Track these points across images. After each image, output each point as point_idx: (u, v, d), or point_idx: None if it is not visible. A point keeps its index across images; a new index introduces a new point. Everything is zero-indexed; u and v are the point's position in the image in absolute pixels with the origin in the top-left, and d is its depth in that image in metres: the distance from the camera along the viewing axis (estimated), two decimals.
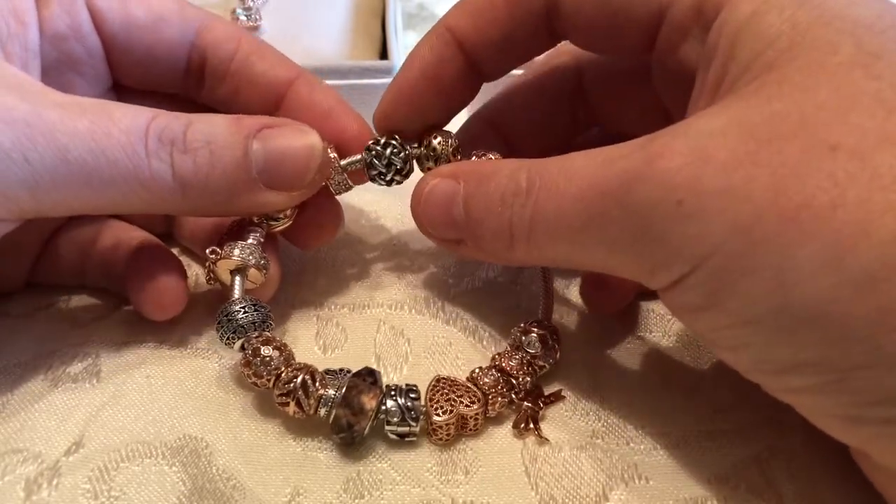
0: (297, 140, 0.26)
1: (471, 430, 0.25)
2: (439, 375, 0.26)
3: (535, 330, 0.27)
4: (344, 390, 0.24)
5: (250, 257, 0.26)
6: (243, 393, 0.26)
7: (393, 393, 0.25)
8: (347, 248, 0.33)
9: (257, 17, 0.42)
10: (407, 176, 0.29)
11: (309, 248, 0.30)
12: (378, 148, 0.28)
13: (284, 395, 0.24)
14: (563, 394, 0.26)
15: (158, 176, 0.23)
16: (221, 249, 0.27)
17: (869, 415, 0.19)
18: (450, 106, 0.29)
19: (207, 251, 0.27)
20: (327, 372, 0.25)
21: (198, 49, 0.29)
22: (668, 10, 0.24)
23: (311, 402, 0.24)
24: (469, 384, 0.25)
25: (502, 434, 0.25)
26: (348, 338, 0.29)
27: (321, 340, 0.29)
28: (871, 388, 0.18)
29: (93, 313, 0.29)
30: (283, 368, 0.25)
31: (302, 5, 0.44)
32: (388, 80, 0.37)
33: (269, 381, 0.25)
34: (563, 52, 0.30)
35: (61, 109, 0.22)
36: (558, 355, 0.27)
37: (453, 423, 0.25)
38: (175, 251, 0.30)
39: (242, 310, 0.26)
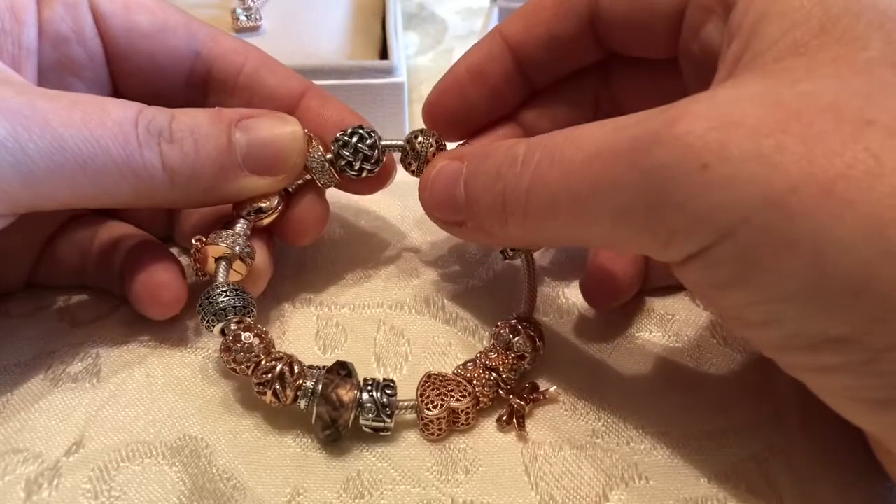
0: (277, 126, 0.26)
1: (462, 423, 0.25)
2: (430, 371, 0.26)
3: (516, 325, 0.27)
4: (321, 387, 0.24)
5: (235, 245, 0.27)
6: (244, 393, 0.26)
7: (369, 387, 0.25)
8: (347, 248, 0.33)
9: (257, 17, 0.42)
10: (377, 164, 0.29)
11: (298, 244, 0.30)
12: (345, 138, 0.28)
13: (262, 385, 0.24)
14: (556, 393, 0.26)
15: (149, 165, 0.24)
16: (208, 237, 0.27)
17: None
18: (496, 106, 0.29)
19: (193, 240, 0.27)
20: (309, 366, 0.25)
21: (203, 60, 0.29)
22: None
23: (289, 392, 0.24)
24: (459, 378, 0.26)
25: (502, 434, 0.25)
26: (348, 338, 0.29)
27: (321, 340, 0.29)
28: None
29: (93, 313, 0.29)
30: (262, 357, 0.25)
31: (302, 5, 0.44)
32: (388, 80, 0.37)
33: (247, 368, 0.25)
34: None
35: (54, 102, 0.23)
36: (541, 351, 0.27)
37: (444, 418, 0.25)
38: (174, 251, 0.30)
39: (224, 293, 0.26)
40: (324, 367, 0.25)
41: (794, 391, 0.26)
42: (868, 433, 0.21)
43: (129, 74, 0.29)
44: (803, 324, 0.18)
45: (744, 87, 0.19)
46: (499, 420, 0.26)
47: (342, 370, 0.25)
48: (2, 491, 0.23)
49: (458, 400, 0.25)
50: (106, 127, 0.23)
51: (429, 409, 0.25)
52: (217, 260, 0.27)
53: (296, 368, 0.25)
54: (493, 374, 0.26)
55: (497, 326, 0.27)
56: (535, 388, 0.26)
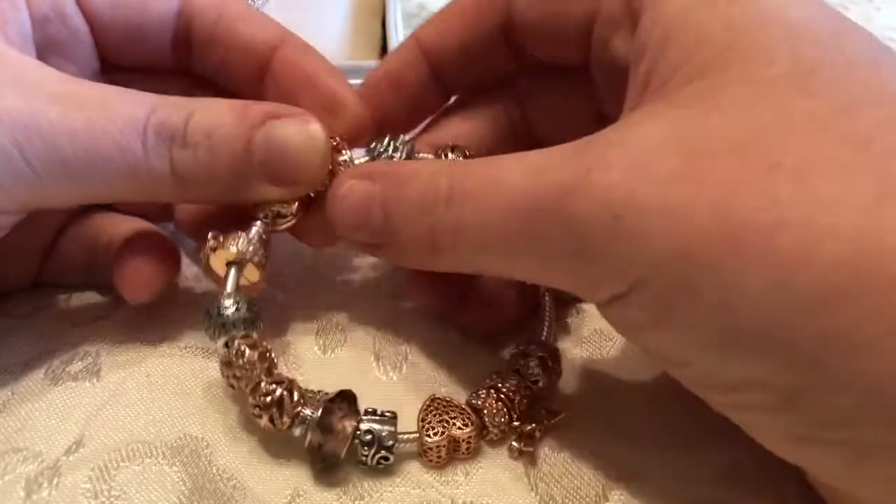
0: (301, 133, 0.25)
1: (463, 453, 0.25)
2: (434, 395, 0.25)
3: (534, 352, 0.26)
4: (319, 414, 0.23)
5: (252, 253, 0.26)
6: (244, 393, 0.26)
7: (369, 420, 0.24)
8: (346, 248, 0.33)
9: None
10: None
11: (319, 246, 0.30)
12: (380, 148, 0.28)
13: (259, 408, 0.24)
14: (568, 416, 0.25)
15: (155, 171, 0.23)
16: (222, 238, 0.26)
17: (817, 436, 0.18)
18: (414, 112, 0.30)
19: (209, 235, 0.26)
20: (308, 391, 0.25)
21: (183, 17, 0.28)
22: (601, 5, 0.24)
23: (286, 419, 0.24)
24: (464, 406, 0.25)
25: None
26: (348, 338, 0.29)
27: (321, 340, 0.29)
28: (819, 410, 0.18)
29: (93, 313, 0.29)
30: (263, 378, 0.24)
31: (302, 5, 0.44)
32: None
33: (246, 387, 0.24)
34: None
35: (59, 105, 0.22)
36: (558, 379, 0.26)
37: (444, 446, 0.24)
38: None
39: (234, 305, 0.25)
40: (325, 394, 0.24)
41: None
42: (795, 464, 0.21)
43: (116, 46, 0.28)
44: (717, 367, 0.19)
45: (654, 127, 0.19)
46: (510, 449, 0.25)
47: (343, 401, 0.24)
48: (1, 490, 0.23)
49: (459, 429, 0.24)
50: (108, 134, 0.22)
51: (429, 436, 0.24)
52: (228, 264, 0.26)
53: (295, 395, 0.24)
54: (506, 406, 0.25)
55: (514, 351, 0.26)
56: (552, 413, 0.25)
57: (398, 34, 0.42)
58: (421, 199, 0.23)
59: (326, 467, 0.24)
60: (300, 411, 0.24)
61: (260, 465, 0.24)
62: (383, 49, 0.43)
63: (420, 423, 0.24)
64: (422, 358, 0.28)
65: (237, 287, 0.26)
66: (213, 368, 0.27)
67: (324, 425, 0.23)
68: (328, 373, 0.27)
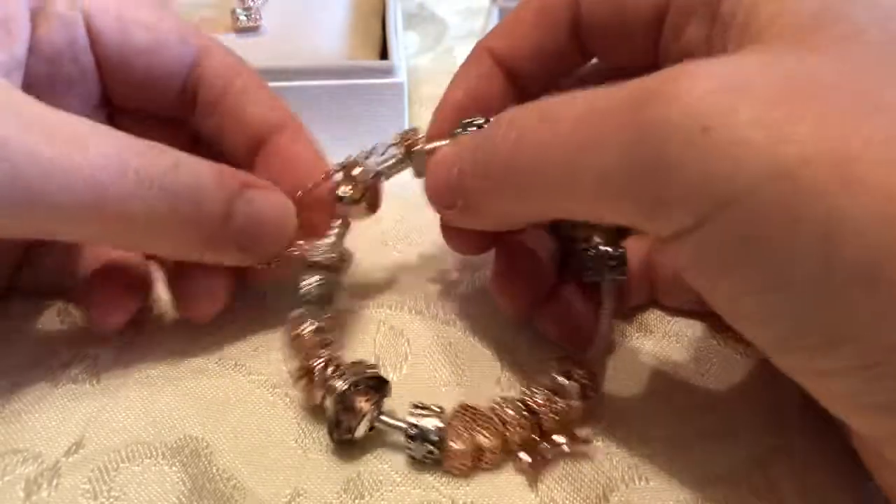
0: (277, 208, 0.26)
1: (486, 463, 0.24)
2: (465, 403, 0.25)
3: (576, 373, 0.25)
4: (346, 386, 0.24)
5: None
6: (244, 393, 0.26)
7: (416, 412, 0.24)
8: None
9: (257, 16, 0.42)
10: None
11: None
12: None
13: (297, 378, 0.25)
14: (590, 438, 0.25)
15: (128, 213, 0.22)
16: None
17: None
18: None
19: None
20: (351, 364, 0.25)
21: (194, 74, 0.28)
22: None
23: (317, 391, 0.24)
24: (492, 415, 0.24)
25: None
26: (348, 338, 0.29)
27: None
28: None
29: None
30: (309, 351, 0.25)
31: (302, 5, 0.44)
32: (388, 80, 0.37)
33: (299, 354, 0.25)
34: None
35: (29, 133, 0.21)
36: (592, 403, 0.26)
37: (470, 453, 0.24)
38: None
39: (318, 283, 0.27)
40: (365, 369, 0.25)
41: (794, 392, 0.26)
42: (861, 437, 0.20)
43: (121, 88, 0.28)
44: (803, 319, 0.17)
45: (748, 56, 0.18)
46: (515, 461, 0.24)
47: (372, 381, 0.24)
48: (1, 491, 0.23)
49: (486, 438, 0.24)
50: (80, 171, 0.21)
51: (454, 443, 0.24)
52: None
53: (330, 368, 0.24)
54: (530, 422, 0.24)
55: (555, 367, 0.26)
56: (576, 440, 0.24)
57: (398, 34, 0.41)
58: (485, 134, 0.23)
59: (342, 442, 0.24)
60: (332, 384, 0.24)
61: (260, 466, 0.24)
62: (384, 49, 0.43)
63: (448, 428, 0.24)
64: (422, 358, 0.28)
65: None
66: (212, 369, 0.27)
67: (345, 401, 0.24)
68: None
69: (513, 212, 0.23)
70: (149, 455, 0.24)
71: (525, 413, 0.24)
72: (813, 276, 0.16)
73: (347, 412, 0.24)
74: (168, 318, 0.29)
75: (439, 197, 0.26)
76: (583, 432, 0.25)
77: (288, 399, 0.26)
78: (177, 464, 0.24)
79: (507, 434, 0.24)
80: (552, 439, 0.24)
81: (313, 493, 0.24)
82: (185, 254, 0.25)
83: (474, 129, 0.26)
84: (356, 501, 0.23)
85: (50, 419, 0.25)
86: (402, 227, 0.34)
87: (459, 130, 0.26)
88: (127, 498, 0.23)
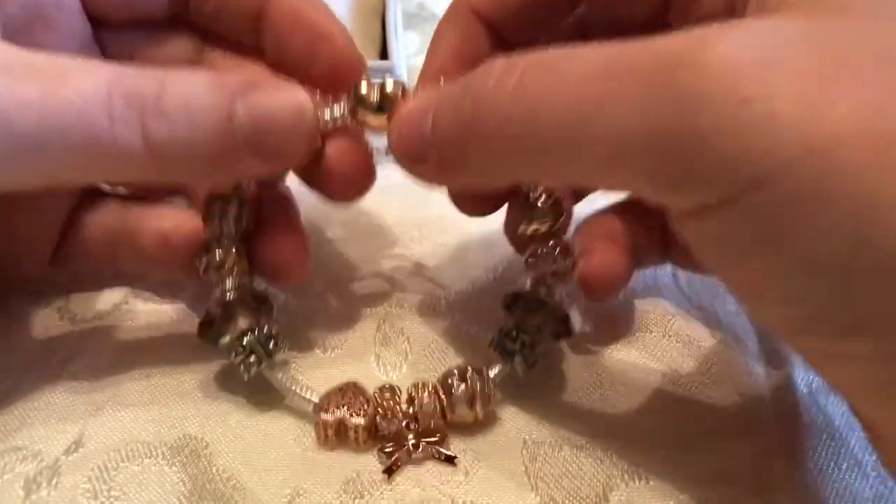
0: (285, 103, 0.23)
1: (353, 441, 0.24)
2: (352, 381, 0.25)
3: (471, 374, 0.25)
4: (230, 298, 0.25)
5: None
6: (244, 393, 0.26)
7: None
8: (347, 248, 0.33)
9: None
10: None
11: (341, 201, 0.27)
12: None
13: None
14: (455, 462, 0.24)
15: (125, 144, 0.21)
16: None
17: None
18: None
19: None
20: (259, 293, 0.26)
21: None
22: None
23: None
24: (370, 397, 0.25)
25: (502, 434, 0.25)
26: (348, 337, 0.29)
27: (321, 339, 0.29)
28: None
29: (93, 311, 0.29)
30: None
31: None
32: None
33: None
34: None
35: (8, 75, 0.20)
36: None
37: (333, 427, 0.24)
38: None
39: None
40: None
41: (793, 392, 0.26)
42: (873, 426, 0.20)
43: (104, 6, 0.27)
44: (829, 303, 0.16)
45: (783, 23, 0.17)
46: (380, 450, 0.24)
47: (265, 305, 0.26)
48: (1, 489, 0.23)
49: (351, 416, 0.24)
50: (68, 103, 0.20)
51: (323, 412, 0.24)
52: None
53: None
54: (438, 404, 0.24)
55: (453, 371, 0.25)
56: (442, 441, 0.25)
57: (398, 34, 0.41)
58: (467, 82, 0.20)
59: (209, 340, 0.25)
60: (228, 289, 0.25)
61: (259, 465, 0.24)
62: (384, 49, 0.43)
63: (324, 399, 0.24)
64: (422, 358, 0.28)
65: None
66: (212, 369, 0.27)
67: (227, 309, 0.25)
68: (328, 372, 0.27)
69: (500, 170, 0.21)
70: (149, 454, 0.24)
71: (436, 392, 0.25)
72: (841, 259, 0.16)
73: (226, 323, 0.25)
74: (168, 318, 0.29)
75: (408, 148, 0.23)
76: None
77: (288, 399, 0.26)
78: (176, 463, 0.24)
79: (381, 418, 0.24)
80: (408, 440, 0.24)
81: (313, 493, 0.24)
82: (200, 174, 0.24)
83: None
84: (356, 501, 0.23)
85: (49, 417, 0.25)
86: (403, 225, 0.34)
87: None
88: (127, 497, 0.23)
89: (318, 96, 0.24)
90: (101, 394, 0.26)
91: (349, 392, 0.25)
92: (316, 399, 0.25)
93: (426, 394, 0.25)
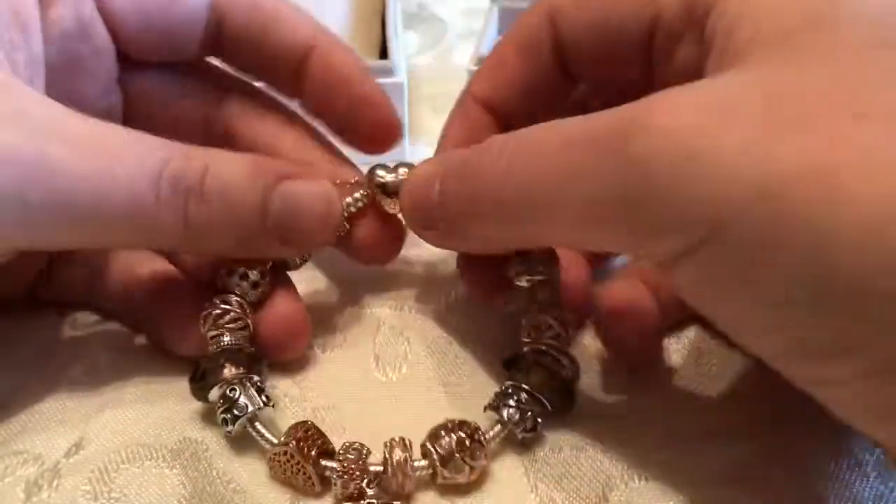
0: (315, 195, 0.25)
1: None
2: (309, 423, 0.24)
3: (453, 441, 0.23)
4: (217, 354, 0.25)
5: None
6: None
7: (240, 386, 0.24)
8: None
9: None
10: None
11: (369, 264, 0.30)
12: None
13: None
14: None
15: (167, 222, 0.23)
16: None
17: None
18: None
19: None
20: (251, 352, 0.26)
21: (214, 16, 0.28)
22: (659, 19, 0.23)
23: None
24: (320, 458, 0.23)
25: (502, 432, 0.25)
26: (347, 338, 0.29)
27: (320, 340, 0.29)
28: None
29: (93, 316, 0.29)
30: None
31: (300, 5, 0.44)
32: (387, 80, 0.37)
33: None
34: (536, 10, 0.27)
35: (67, 147, 0.21)
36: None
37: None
38: None
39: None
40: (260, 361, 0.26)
41: (793, 392, 0.26)
42: (880, 443, 0.20)
43: (140, 49, 0.27)
44: (806, 331, 0.17)
45: (729, 76, 0.18)
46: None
47: (248, 362, 0.25)
48: (2, 492, 0.23)
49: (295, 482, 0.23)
50: (118, 181, 0.22)
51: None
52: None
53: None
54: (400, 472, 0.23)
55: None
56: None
57: (398, 34, 0.41)
58: (471, 159, 0.23)
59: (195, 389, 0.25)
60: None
61: (260, 468, 0.24)
62: (384, 49, 0.43)
63: (287, 436, 0.23)
64: (422, 358, 0.28)
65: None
66: None
67: (212, 365, 0.25)
68: (327, 373, 0.27)
69: (499, 237, 0.24)
70: (149, 457, 0.24)
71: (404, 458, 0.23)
72: (811, 293, 0.16)
73: (207, 376, 0.25)
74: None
75: (419, 217, 0.26)
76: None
77: (287, 400, 0.26)
78: (177, 466, 0.24)
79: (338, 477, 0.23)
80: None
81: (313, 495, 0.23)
82: (228, 252, 0.25)
83: None
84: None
85: (50, 421, 0.25)
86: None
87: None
88: (127, 500, 0.23)
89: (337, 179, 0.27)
90: (102, 397, 0.26)
91: (292, 460, 0.23)
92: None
93: (405, 459, 0.23)
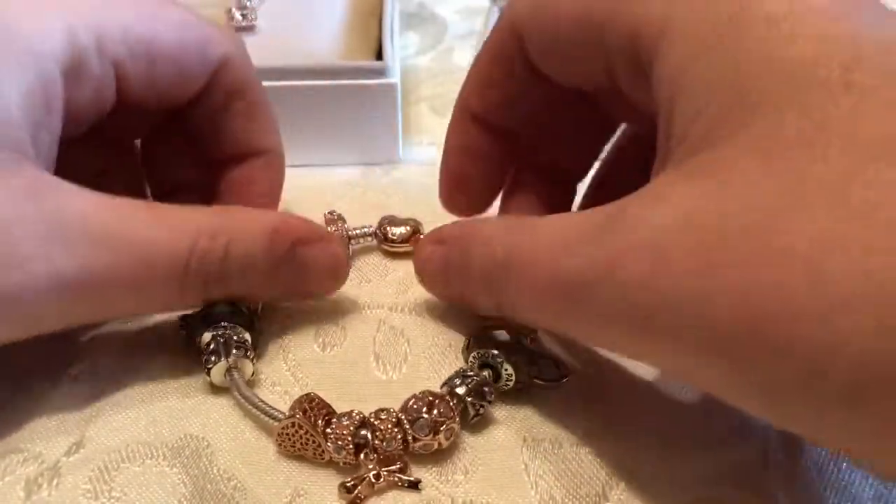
0: (327, 262, 0.28)
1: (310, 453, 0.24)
2: (300, 418, 0.24)
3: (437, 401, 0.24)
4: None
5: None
6: None
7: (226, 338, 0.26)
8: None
9: (253, 16, 0.42)
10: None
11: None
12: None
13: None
14: (420, 488, 0.24)
15: (188, 302, 0.26)
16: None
17: None
18: (499, 170, 0.31)
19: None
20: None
21: (210, 85, 0.29)
22: (614, 71, 0.24)
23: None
24: (329, 426, 0.24)
25: (502, 432, 0.25)
26: (347, 337, 0.29)
27: (320, 339, 0.29)
28: None
29: None
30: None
31: (299, 5, 0.44)
32: (380, 80, 0.37)
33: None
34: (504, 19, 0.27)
35: (104, 253, 0.23)
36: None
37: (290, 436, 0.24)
38: None
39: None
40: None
41: None
42: None
43: (134, 105, 0.28)
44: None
45: (669, 206, 0.19)
46: (340, 487, 0.23)
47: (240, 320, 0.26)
48: (2, 491, 0.23)
49: (307, 452, 0.24)
50: (153, 274, 0.24)
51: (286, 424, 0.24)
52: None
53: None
54: (399, 433, 0.24)
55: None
56: (403, 469, 0.24)
57: (394, 35, 0.41)
58: (482, 270, 0.25)
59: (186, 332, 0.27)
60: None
61: (260, 466, 0.24)
62: (379, 49, 0.43)
63: (295, 410, 0.24)
64: (422, 358, 0.28)
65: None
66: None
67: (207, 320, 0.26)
68: (327, 372, 0.27)
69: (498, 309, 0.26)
70: (149, 455, 0.24)
71: (398, 422, 0.24)
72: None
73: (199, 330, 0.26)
74: (169, 320, 0.29)
75: (443, 295, 0.29)
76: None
77: (288, 397, 0.26)
78: (177, 464, 0.24)
79: (331, 444, 0.23)
80: (369, 472, 0.23)
81: (313, 493, 0.24)
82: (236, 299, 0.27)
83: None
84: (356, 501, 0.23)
85: (50, 419, 0.25)
86: None
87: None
88: (127, 498, 0.23)
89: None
90: (102, 395, 0.26)
91: (300, 431, 0.24)
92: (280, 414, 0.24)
93: (389, 425, 0.24)
